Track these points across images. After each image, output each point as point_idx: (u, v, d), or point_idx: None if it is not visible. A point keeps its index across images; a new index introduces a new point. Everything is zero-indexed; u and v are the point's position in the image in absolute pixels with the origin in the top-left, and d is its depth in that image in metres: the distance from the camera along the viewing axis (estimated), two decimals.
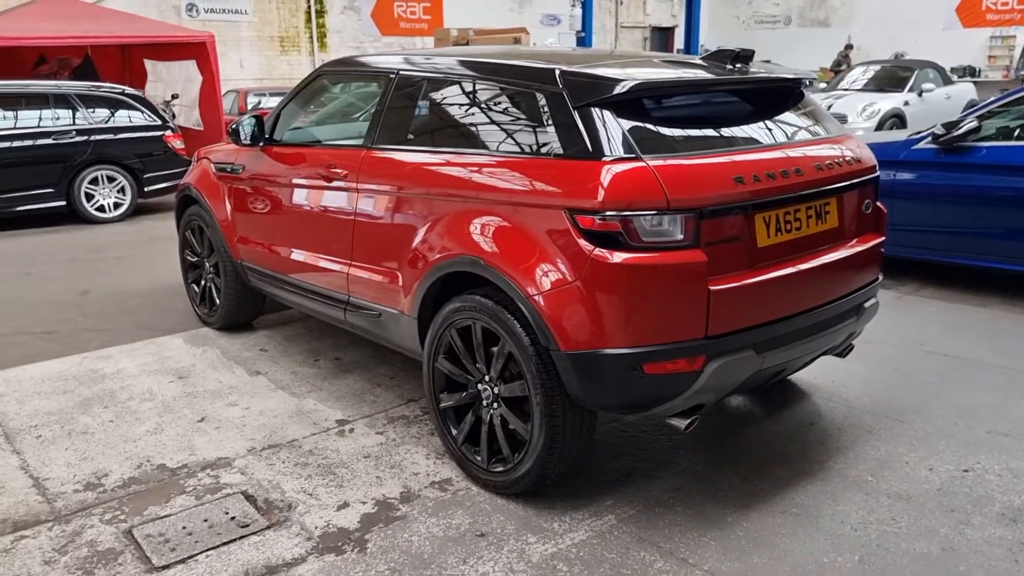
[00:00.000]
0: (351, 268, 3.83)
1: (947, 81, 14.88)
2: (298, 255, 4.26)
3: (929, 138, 5.85)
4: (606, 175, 2.74)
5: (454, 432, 3.35)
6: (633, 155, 2.78)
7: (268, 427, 3.87)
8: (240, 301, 5.07)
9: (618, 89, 2.88)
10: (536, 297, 2.86)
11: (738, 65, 3.21)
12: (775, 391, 4.11)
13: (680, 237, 2.73)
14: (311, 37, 18.62)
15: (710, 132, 3.07)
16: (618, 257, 2.71)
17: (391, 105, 3.72)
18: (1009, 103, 5.83)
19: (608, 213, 2.71)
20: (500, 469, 3.12)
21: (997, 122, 5.80)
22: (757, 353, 2.92)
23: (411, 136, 3.66)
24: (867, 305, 3.43)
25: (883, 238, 3.51)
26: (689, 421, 2.96)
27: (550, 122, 2.99)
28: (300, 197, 4.21)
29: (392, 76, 3.76)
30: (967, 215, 5.71)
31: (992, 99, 6.01)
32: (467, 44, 12.51)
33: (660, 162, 2.77)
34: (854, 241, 3.34)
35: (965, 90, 15.27)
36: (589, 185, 2.76)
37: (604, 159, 2.78)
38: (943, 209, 5.84)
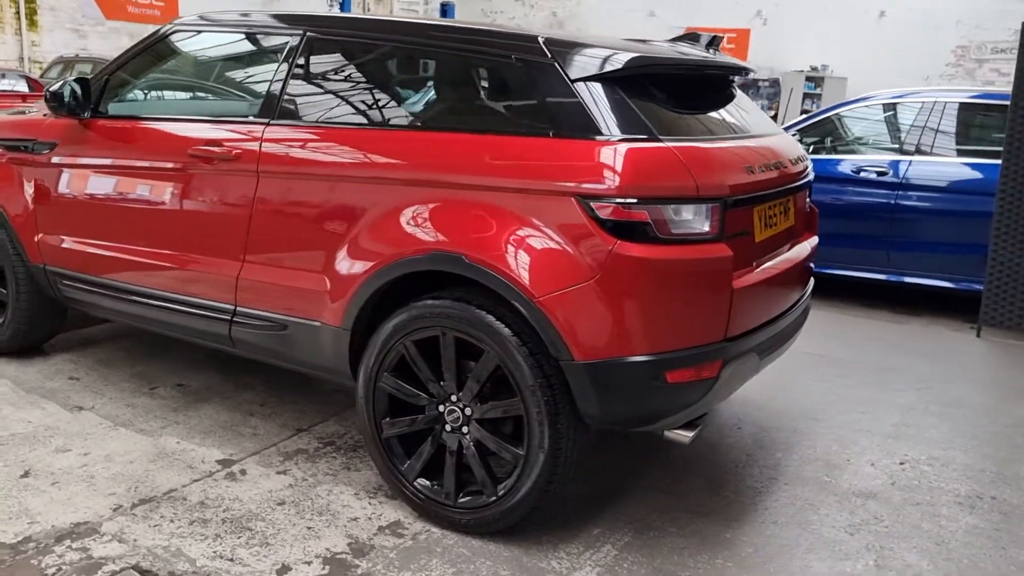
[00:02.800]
0: (243, 270, 3.09)
1: None
2: (150, 257, 3.37)
3: None
4: (625, 157, 2.40)
5: (403, 466, 2.79)
6: (648, 135, 2.47)
7: (128, 476, 2.99)
8: (35, 318, 3.97)
9: (613, 64, 2.56)
10: (543, 299, 2.43)
11: (711, 50, 3.03)
12: None
13: (707, 229, 2.46)
14: (17, 13, 15.96)
15: (707, 116, 2.84)
16: (644, 251, 2.38)
17: (304, 73, 3.05)
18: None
19: (631, 200, 2.37)
20: (490, 500, 2.61)
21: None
22: (759, 357, 2.74)
23: (344, 111, 2.99)
24: (809, 305, 3.41)
25: (817, 238, 3.52)
26: (696, 432, 2.69)
27: (542, 97, 2.58)
28: (156, 183, 3.33)
29: (299, 37, 3.08)
30: None
31: None
32: None
33: (678, 144, 2.49)
34: (804, 239, 3.30)
35: None
36: (606, 168, 2.40)
37: (612, 139, 2.44)
38: None
